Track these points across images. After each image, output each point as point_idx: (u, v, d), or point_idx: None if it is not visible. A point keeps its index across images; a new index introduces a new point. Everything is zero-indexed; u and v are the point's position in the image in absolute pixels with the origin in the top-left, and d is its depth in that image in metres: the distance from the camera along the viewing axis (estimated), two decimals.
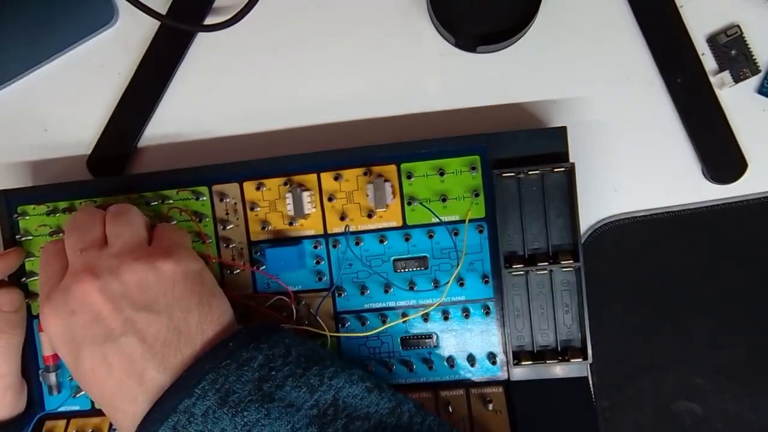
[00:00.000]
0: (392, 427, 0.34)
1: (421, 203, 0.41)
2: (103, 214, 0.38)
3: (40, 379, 0.43)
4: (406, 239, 0.41)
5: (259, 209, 0.42)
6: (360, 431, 0.33)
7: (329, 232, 0.42)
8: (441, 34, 0.44)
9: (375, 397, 0.35)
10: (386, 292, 0.41)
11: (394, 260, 0.41)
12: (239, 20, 0.43)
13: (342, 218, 0.42)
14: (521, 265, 0.40)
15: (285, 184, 0.42)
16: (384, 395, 0.35)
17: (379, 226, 0.41)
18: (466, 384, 0.41)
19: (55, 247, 0.38)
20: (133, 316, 0.34)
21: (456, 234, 0.41)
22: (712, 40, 0.42)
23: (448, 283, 0.40)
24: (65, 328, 0.34)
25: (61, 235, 0.43)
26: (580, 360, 0.39)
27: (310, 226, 0.42)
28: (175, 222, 0.42)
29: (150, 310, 0.34)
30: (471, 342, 0.41)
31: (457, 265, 0.41)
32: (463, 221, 0.41)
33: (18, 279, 0.43)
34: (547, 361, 0.40)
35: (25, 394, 0.42)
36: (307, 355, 0.35)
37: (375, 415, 0.34)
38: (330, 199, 0.41)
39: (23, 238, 0.44)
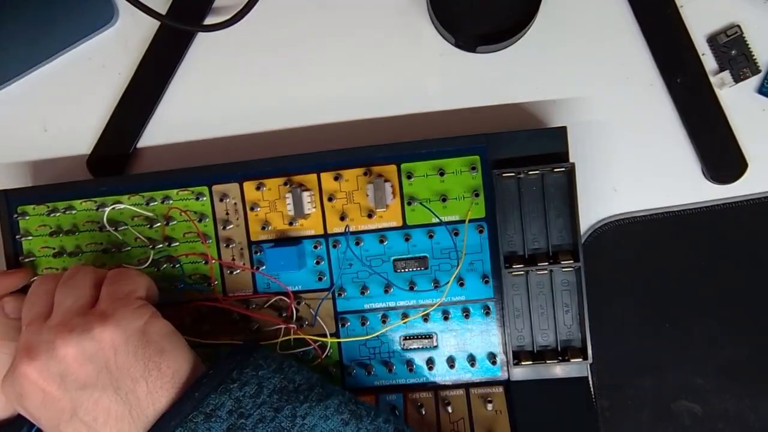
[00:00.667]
0: None
1: (421, 203, 0.41)
2: (57, 281, 0.36)
3: None
4: (406, 239, 0.41)
5: (259, 209, 0.42)
6: None
7: (329, 232, 0.42)
8: (441, 34, 0.44)
9: (351, 431, 0.34)
10: (386, 292, 0.41)
11: (394, 260, 0.41)
12: (239, 20, 0.43)
13: (342, 218, 0.41)
14: (521, 265, 0.40)
15: (285, 184, 0.42)
16: (362, 426, 0.34)
17: (379, 226, 0.41)
18: (466, 384, 0.41)
19: None
20: (79, 396, 0.32)
21: (456, 234, 0.41)
22: (712, 40, 0.42)
23: (448, 283, 0.41)
24: (22, 409, 0.33)
25: (60, 236, 0.43)
26: (580, 360, 0.39)
27: (310, 226, 0.42)
28: (174, 222, 0.42)
29: (95, 386, 0.32)
30: (471, 342, 0.41)
31: (457, 265, 0.41)
32: (463, 221, 0.41)
33: (26, 285, 0.43)
34: (547, 361, 0.40)
35: None
36: (281, 388, 0.34)
37: None
38: (330, 199, 0.41)
39: (23, 238, 0.44)
